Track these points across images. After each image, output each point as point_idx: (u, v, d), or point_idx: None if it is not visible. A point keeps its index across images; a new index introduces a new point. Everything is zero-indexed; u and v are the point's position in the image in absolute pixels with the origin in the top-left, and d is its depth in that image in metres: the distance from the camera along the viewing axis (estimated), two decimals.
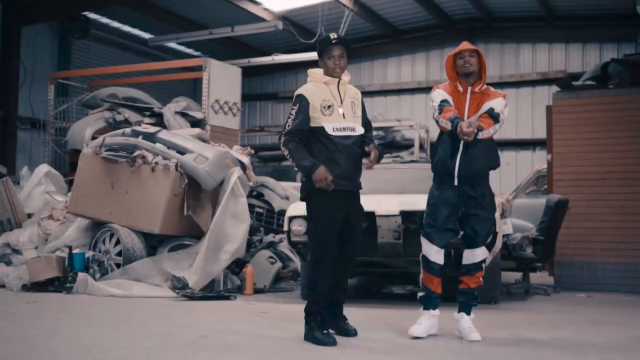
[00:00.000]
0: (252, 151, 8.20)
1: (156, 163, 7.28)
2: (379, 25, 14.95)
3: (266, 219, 9.39)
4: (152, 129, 7.74)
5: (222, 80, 9.53)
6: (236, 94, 9.77)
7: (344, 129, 4.60)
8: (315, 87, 4.66)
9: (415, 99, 16.20)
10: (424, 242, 4.66)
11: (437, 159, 4.69)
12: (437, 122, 4.66)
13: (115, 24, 14.25)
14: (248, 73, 16.67)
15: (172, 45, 14.50)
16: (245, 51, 15.68)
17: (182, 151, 7.51)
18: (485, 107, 4.56)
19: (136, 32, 14.61)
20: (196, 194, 7.47)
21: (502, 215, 9.79)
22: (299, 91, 4.70)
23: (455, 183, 4.57)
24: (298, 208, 6.54)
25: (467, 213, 4.63)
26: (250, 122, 18.16)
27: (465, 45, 4.67)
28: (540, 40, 15.28)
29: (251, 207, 9.46)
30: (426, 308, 4.63)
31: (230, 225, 7.33)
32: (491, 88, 4.72)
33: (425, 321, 4.57)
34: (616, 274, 8.11)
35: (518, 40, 15.48)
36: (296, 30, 13.91)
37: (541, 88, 14.90)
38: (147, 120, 9.13)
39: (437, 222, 4.58)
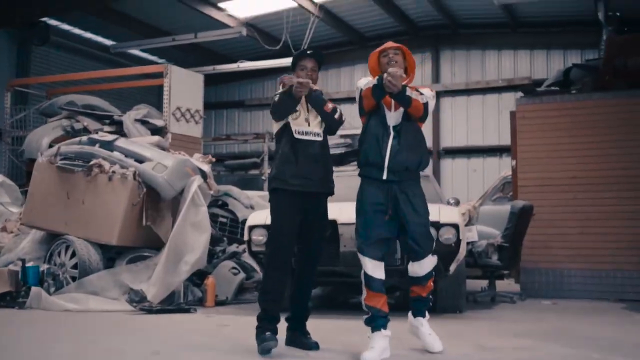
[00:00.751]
0: (213, 159, 8.04)
1: (113, 172, 7.09)
2: (345, 31, 14.88)
3: (230, 229, 9.23)
4: (110, 137, 7.53)
5: (184, 87, 9.35)
6: (198, 101, 9.59)
7: (307, 133, 4.57)
8: None
9: None
10: (360, 256, 4.30)
11: (363, 149, 4.40)
12: (360, 102, 4.44)
13: (77, 31, 13.97)
14: (214, 81, 16.52)
15: (136, 52, 14.28)
16: (210, 58, 15.49)
17: (140, 159, 7.33)
18: None
19: (98, 39, 14.35)
20: (155, 203, 7.29)
21: (470, 223, 9.76)
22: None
23: (384, 177, 4.26)
24: (258, 217, 6.40)
25: (400, 221, 4.29)
26: (217, 130, 17.96)
27: (389, 43, 4.51)
28: (506, 46, 15.36)
29: (215, 216, 9.30)
30: (376, 329, 4.19)
31: (191, 235, 7.18)
32: (420, 86, 4.54)
33: (377, 344, 4.13)
34: (581, 280, 8.10)
35: (484, 47, 15.53)
36: (261, 37, 13.77)
37: (507, 94, 14.94)
38: (106, 128, 8.92)
39: (368, 232, 4.26)
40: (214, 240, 8.39)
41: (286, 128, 4.57)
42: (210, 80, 16.13)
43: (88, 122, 9.07)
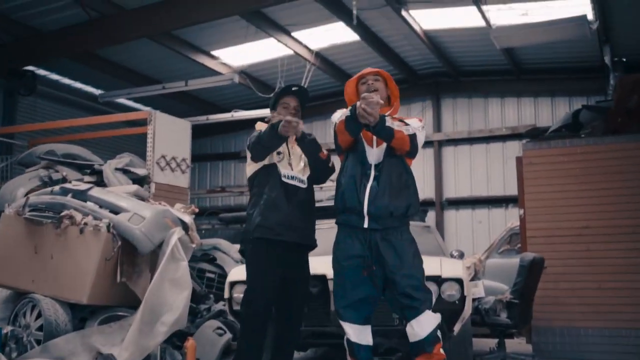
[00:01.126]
0: (196, 209, 7.46)
1: (85, 224, 6.49)
2: (343, 80, 14.47)
3: (217, 285, 8.62)
4: (83, 186, 6.98)
5: (170, 135, 8.83)
6: (185, 149, 9.06)
7: (293, 177, 4.07)
8: None
9: None
10: (340, 322, 3.72)
11: (340, 193, 3.82)
12: (335, 139, 3.89)
13: (66, 80, 13.56)
14: (209, 132, 16.16)
15: (124, 101, 13.87)
16: (203, 108, 15.10)
17: (116, 210, 6.75)
18: None
19: (88, 88, 13.92)
20: (131, 257, 6.68)
21: (475, 277, 9.13)
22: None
23: (365, 224, 3.66)
24: (240, 272, 5.79)
25: (386, 275, 3.65)
26: (213, 183, 17.45)
27: (368, 69, 4.00)
28: (509, 94, 14.91)
29: (201, 271, 8.71)
30: None
31: (169, 293, 6.53)
32: (405, 117, 3.96)
33: None
34: (598, 339, 7.39)
35: (486, 94, 15.10)
36: (255, 85, 13.37)
37: (511, 143, 14.43)
38: (86, 178, 8.38)
39: (345, 293, 3.63)
40: (199, 298, 7.81)
41: (270, 171, 4.10)
42: (205, 131, 15.79)
43: (67, 172, 8.53)
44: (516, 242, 10.64)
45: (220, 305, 7.92)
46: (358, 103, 3.59)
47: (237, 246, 9.39)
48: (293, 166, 4.16)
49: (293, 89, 4.30)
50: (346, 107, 3.90)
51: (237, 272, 5.87)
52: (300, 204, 4.12)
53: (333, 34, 12.08)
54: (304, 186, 4.18)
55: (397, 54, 13.69)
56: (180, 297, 6.58)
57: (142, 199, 7.33)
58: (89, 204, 6.78)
